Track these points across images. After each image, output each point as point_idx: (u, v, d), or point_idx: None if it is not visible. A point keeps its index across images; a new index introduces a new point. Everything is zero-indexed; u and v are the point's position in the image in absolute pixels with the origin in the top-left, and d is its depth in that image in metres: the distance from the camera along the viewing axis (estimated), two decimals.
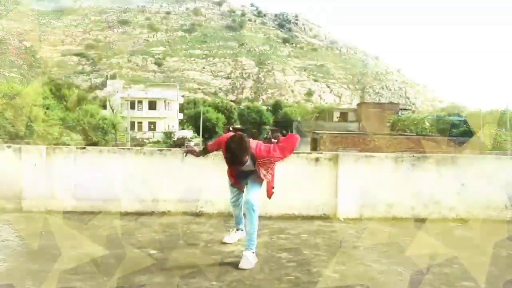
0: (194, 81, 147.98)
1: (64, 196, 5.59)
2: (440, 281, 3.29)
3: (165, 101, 70.98)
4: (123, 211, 5.55)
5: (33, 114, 35.99)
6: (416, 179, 5.58)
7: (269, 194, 3.91)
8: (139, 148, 5.96)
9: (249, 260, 3.57)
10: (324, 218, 5.49)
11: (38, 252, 3.81)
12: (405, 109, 62.36)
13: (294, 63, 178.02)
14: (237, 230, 4.27)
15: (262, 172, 3.73)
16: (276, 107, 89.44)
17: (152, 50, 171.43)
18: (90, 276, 3.24)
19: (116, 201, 5.57)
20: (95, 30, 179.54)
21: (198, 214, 5.49)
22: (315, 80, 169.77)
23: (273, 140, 3.90)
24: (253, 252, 3.67)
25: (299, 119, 63.41)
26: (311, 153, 5.68)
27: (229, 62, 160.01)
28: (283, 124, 76.71)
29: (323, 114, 71.62)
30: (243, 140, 3.50)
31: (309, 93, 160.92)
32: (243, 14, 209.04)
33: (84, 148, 5.72)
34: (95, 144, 42.27)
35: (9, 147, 5.66)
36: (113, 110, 65.61)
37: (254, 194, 3.74)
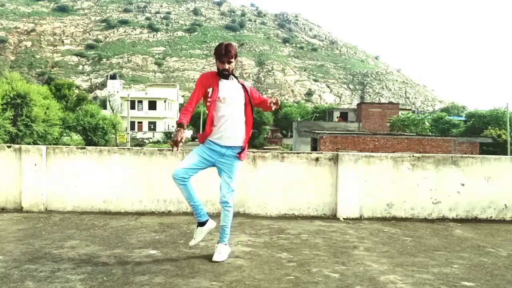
0: (194, 81, 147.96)
1: (64, 196, 5.59)
2: (440, 281, 3.29)
3: (165, 101, 70.99)
4: (123, 211, 5.55)
5: (33, 114, 35.99)
6: (416, 179, 5.58)
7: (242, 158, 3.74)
8: (139, 148, 5.96)
9: (221, 253, 3.69)
10: (324, 218, 5.49)
11: (38, 252, 3.81)
12: (405, 109, 62.39)
13: (294, 63, 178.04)
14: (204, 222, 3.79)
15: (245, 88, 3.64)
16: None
17: (152, 50, 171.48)
18: (90, 276, 3.24)
19: (116, 201, 5.58)
20: (95, 30, 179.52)
21: None
22: (315, 80, 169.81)
23: None
24: (225, 244, 3.77)
25: (299, 119, 63.35)
26: (311, 153, 5.68)
27: None
28: (283, 124, 76.69)
29: (323, 114, 71.64)
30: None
31: (309, 93, 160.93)
32: (243, 14, 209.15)
33: (84, 148, 5.72)
34: (95, 144, 42.28)
35: (9, 147, 5.66)
36: (113, 110, 65.62)
37: (230, 191, 3.69)
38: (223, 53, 3.56)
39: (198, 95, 3.67)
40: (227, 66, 3.59)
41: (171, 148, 3.92)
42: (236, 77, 3.72)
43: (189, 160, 3.63)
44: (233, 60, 3.61)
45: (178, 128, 3.51)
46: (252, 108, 3.71)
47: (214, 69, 3.78)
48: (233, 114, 3.61)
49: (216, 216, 5.43)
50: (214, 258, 3.65)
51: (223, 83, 3.65)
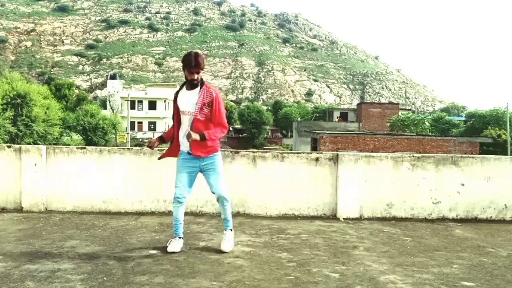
0: None
1: (64, 196, 5.59)
2: (440, 281, 3.29)
3: (165, 101, 70.96)
4: (123, 211, 5.55)
5: (33, 114, 36.00)
6: (416, 179, 5.58)
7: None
8: (139, 148, 5.96)
9: (230, 240, 3.97)
10: (324, 218, 5.49)
11: (38, 252, 3.81)
12: (405, 109, 62.40)
13: (294, 63, 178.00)
14: (180, 238, 3.99)
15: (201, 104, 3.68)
16: (276, 107, 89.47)
17: (152, 50, 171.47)
18: (90, 276, 3.24)
19: (116, 201, 5.58)
20: (95, 30, 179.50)
21: (198, 214, 5.50)
22: (315, 80, 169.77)
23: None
24: (231, 230, 4.04)
25: (299, 119, 63.35)
26: (311, 153, 5.68)
27: (229, 62, 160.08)
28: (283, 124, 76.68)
29: (323, 114, 71.65)
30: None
31: (309, 93, 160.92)
32: (243, 14, 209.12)
33: (84, 148, 5.72)
34: (95, 144, 42.28)
35: (9, 147, 5.66)
36: (113, 110, 65.62)
37: (222, 187, 3.88)
38: (193, 65, 3.66)
39: (175, 112, 3.91)
40: (196, 76, 3.71)
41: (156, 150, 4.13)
42: (202, 84, 3.77)
43: (180, 180, 3.86)
44: (201, 71, 3.74)
45: (158, 138, 3.97)
46: (213, 110, 3.73)
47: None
48: (188, 122, 3.78)
49: (216, 216, 5.44)
50: (225, 248, 3.87)
51: (182, 95, 3.78)
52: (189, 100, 3.74)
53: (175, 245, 3.91)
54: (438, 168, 5.59)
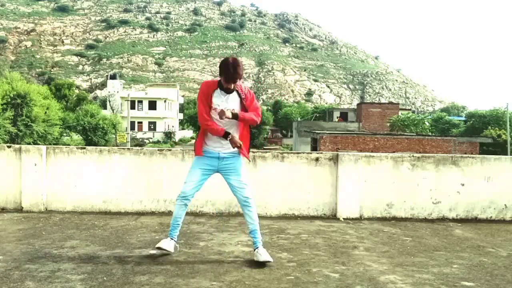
0: (194, 81, 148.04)
1: (64, 196, 5.59)
2: (440, 281, 3.29)
3: (165, 101, 70.97)
4: (123, 211, 5.55)
5: (33, 114, 35.97)
6: (416, 179, 5.58)
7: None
8: (139, 148, 5.96)
9: (266, 253, 3.63)
10: (324, 218, 5.49)
11: (38, 252, 3.81)
12: (405, 109, 62.41)
13: (294, 63, 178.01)
14: (171, 238, 3.80)
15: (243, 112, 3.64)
16: (276, 107, 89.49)
17: (152, 50, 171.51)
18: (90, 276, 3.24)
19: (116, 201, 5.58)
20: (95, 30, 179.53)
21: (198, 214, 5.50)
22: (315, 80, 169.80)
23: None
24: (262, 246, 3.69)
25: (299, 119, 63.34)
26: (311, 153, 5.68)
27: None
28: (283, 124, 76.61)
29: (323, 114, 71.65)
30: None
31: (309, 93, 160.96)
32: (243, 14, 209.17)
33: (84, 148, 5.72)
34: (95, 144, 42.28)
35: (9, 147, 5.66)
36: (113, 110, 65.60)
37: (245, 186, 3.70)
38: (231, 77, 3.54)
39: (205, 106, 3.66)
40: (232, 86, 3.63)
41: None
42: (235, 89, 3.70)
43: (192, 177, 3.72)
44: (241, 76, 3.63)
45: (230, 137, 3.60)
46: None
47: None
48: (229, 123, 3.66)
49: (215, 216, 5.44)
50: (265, 259, 3.56)
51: (220, 97, 3.65)
52: (230, 102, 3.65)
53: (165, 244, 3.71)
54: (438, 168, 5.59)
